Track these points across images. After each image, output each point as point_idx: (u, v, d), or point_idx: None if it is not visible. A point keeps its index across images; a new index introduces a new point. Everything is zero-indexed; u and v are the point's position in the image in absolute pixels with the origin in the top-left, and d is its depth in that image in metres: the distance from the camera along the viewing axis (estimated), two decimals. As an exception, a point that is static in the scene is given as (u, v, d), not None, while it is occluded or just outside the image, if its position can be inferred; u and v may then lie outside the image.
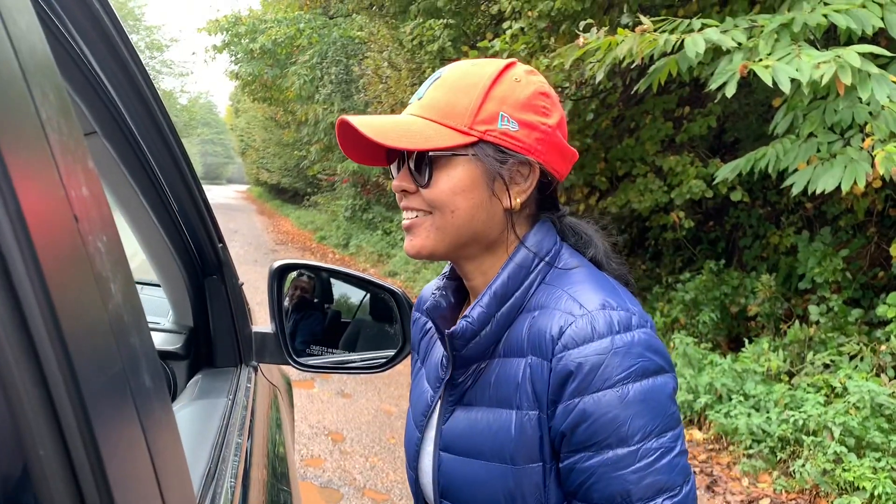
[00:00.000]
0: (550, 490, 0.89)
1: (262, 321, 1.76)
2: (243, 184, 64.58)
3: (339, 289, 1.80)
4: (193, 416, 1.15)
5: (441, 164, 0.91)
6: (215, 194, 38.51)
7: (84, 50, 0.95)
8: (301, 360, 1.59)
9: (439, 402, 1.01)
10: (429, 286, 1.14)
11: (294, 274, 1.67)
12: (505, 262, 0.94)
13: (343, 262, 13.56)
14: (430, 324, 1.13)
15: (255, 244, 16.29)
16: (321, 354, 1.67)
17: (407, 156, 0.93)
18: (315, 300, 1.77)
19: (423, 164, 0.91)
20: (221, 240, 1.48)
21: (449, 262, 1.05)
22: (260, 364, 1.63)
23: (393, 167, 0.98)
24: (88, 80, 0.97)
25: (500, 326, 0.93)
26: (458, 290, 1.06)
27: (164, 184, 1.25)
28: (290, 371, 1.93)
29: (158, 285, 1.58)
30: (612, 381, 0.83)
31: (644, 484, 0.82)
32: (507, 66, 0.94)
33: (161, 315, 1.63)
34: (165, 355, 1.49)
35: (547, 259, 0.95)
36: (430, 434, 1.01)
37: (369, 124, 0.89)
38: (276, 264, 1.59)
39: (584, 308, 0.87)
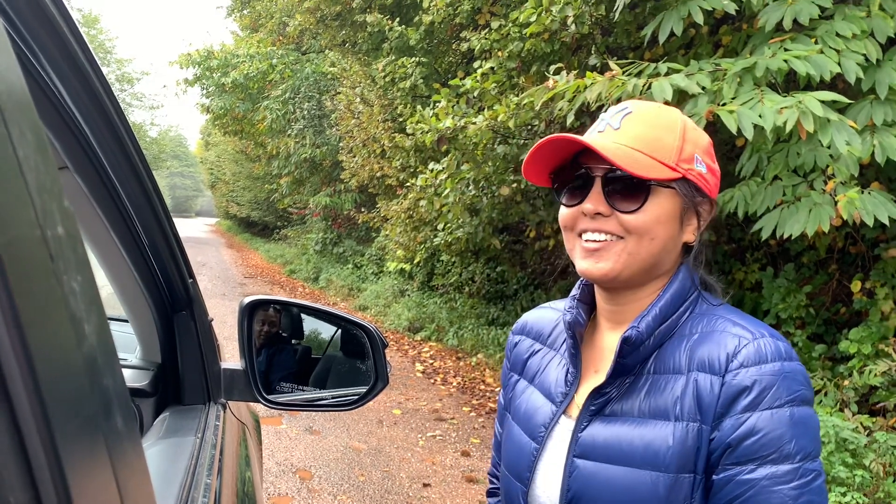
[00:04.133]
0: (696, 502, 0.94)
1: (230, 356, 1.73)
2: (212, 217, 64.09)
3: (310, 324, 1.79)
4: (161, 456, 1.12)
5: (652, 193, 0.97)
6: (184, 227, 38.10)
7: (57, 84, 0.95)
8: (271, 397, 1.56)
9: (563, 414, 1.07)
10: (531, 314, 1.25)
11: (264, 310, 1.66)
12: (666, 286, 1.02)
13: (313, 296, 13.46)
14: (537, 345, 1.20)
15: (223, 278, 16.10)
16: (291, 391, 1.64)
17: (603, 181, 0.98)
18: (285, 336, 1.75)
19: (633, 191, 0.97)
20: (192, 275, 1.46)
21: (580, 284, 1.11)
22: (228, 401, 1.60)
23: (565, 192, 1.03)
24: (60, 114, 0.97)
25: (655, 343, 1.00)
26: (587, 313, 1.12)
27: (135, 218, 1.23)
28: (258, 407, 1.90)
29: (126, 321, 1.56)
30: (783, 402, 0.90)
31: (801, 501, 0.88)
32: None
33: (128, 351, 1.59)
34: (132, 392, 1.46)
35: (698, 291, 1.04)
36: (555, 444, 1.06)
37: (603, 147, 0.95)
38: (247, 300, 1.57)
39: (754, 334, 0.95)
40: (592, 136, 1.01)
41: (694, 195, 1.00)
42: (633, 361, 1.00)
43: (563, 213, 1.03)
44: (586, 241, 1.00)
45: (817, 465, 0.90)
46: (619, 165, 0.94)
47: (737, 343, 0.94)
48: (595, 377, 1.07)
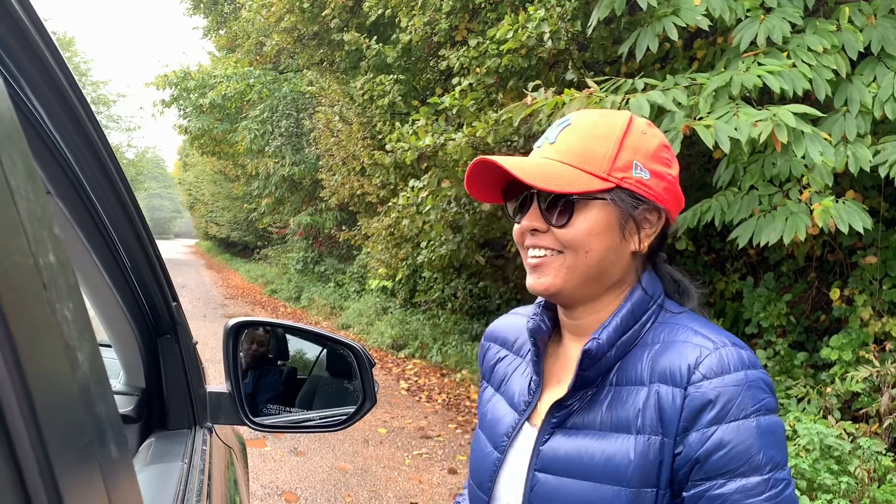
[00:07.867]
0: None
1: (213, 379, 1.71)
2: (191, 238, 63.64)
3: (295, 344, 1.77)
4: (149, 482, 1.11)
5: (579, 206, 0.96)
6: (163, 249, 37.62)
7: (38, 108, 0.94)
8: (257, 419, 1.55)
9: (526, 423, 1.05)
10: (500, 320, 1.23)
11: (249, 331, 1.64)
12: (626, 297, 1.00)
13: (295, 316, 13.37)
14: (503, 351, 1.18)
15: (204, 299, 15.95)
16: (278, 413, 1.63)
17: (538, 197, 0.98)
18: (270, 357, 1.74)
19: (561, 205, 0.96)
20: (176, 298, 1.45)
21: None
22: (214, 425, 1.58)
23: (511, 206, 1.04)
24: (42, 139, 0.96)
25: (617, 355, 0.98)
26: (552, 321, 1.10)
27: (118, 242, 1.22)
28: (243, 429, 1.88)
29: (109, 346, 1.54)
30: (748, 412, 0.89)
31: None
32: (631, 118, 1.01)
33: (112, 376, 1.57)
34: (116, 419, 1.44)
35: (659, 301, 1.01)
36: (516, 455, 1.04)
37: (518, 167, 0.95)
38: (231, 322, 1.56)
39: (716, 343, 0.94)
40: (533, 153, 1.02)
41: (632, 204, 0.97)
42: (594, 374, 0.98)
43: (515, 229, 1.03)
44: (530, 256, 1.00)
45: (786, 474, 0.89)
46: (533, 184, 0.93)
47: (698, 354, 0.92)
48: (558, 387, 1.04)
